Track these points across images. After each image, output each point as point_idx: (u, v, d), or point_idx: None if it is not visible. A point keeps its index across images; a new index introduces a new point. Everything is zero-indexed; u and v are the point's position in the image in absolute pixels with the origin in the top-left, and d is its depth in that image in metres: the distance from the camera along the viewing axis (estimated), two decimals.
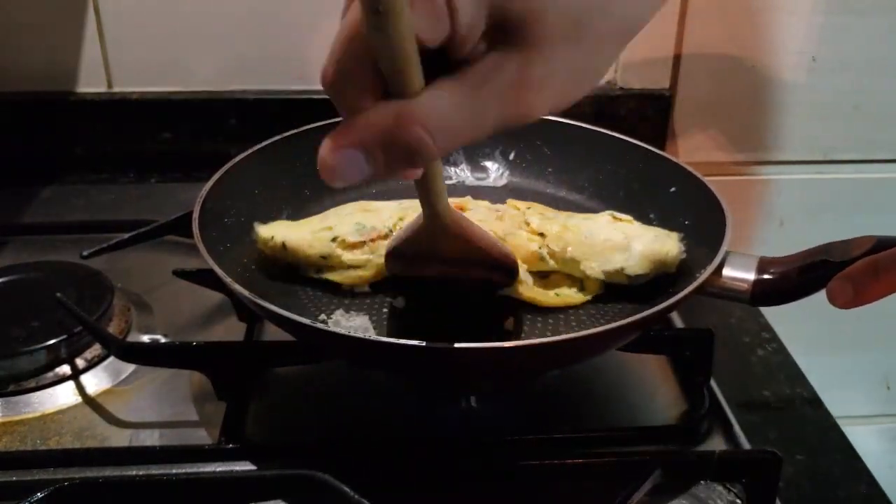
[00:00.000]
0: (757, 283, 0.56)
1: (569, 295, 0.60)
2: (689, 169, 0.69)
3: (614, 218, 0.63)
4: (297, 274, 0.63)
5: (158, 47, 0.88)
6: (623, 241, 0.60)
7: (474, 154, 0.76)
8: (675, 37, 0.89)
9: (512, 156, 0.75)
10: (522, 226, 0.62)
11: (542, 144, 0.75)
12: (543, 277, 0.61)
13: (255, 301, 0.51)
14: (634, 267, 0.59)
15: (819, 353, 1.04)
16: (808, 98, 0.94)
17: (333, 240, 0.61)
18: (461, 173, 0.76)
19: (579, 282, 0.61)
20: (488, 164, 0.76)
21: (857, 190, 0.98)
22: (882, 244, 0.54)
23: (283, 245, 0.61)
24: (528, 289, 0.59)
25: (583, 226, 0.61)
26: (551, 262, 0.61)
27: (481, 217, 0.62)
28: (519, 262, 0.58)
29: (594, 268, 0.59)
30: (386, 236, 0.61)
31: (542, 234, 0.61)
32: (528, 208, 0.65)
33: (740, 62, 0.91)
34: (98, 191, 0.89)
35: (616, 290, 0.61)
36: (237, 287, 0.52)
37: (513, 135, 0.75)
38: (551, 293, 0.60)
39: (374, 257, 0.61)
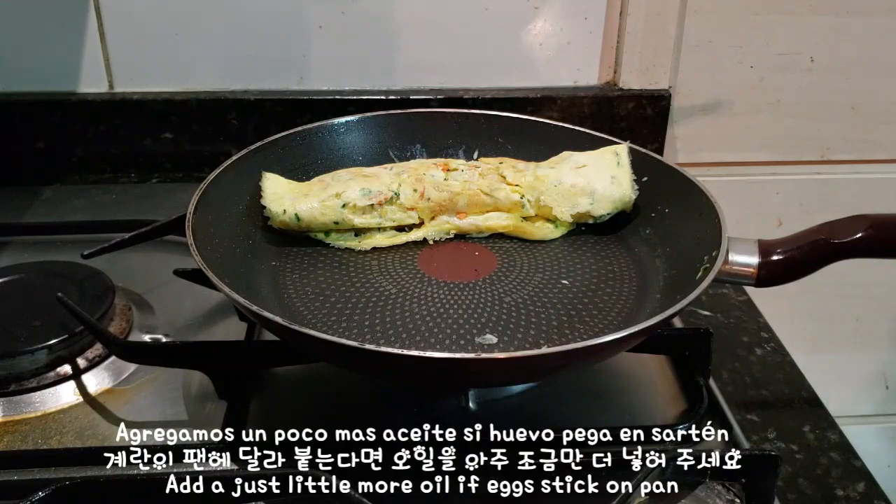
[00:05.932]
0: (762, 266, 0.57)
1: (548, 229, 0.70)
2: (656, 156, 0.70)
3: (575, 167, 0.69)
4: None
5: (159, 48, 0.88)
6: (586, 186, 0.68)
7: (438, 153, 0.76)
8: (674, 37, 0.89)
9: (476, 154, 0.76)
10: (501, 179, 0.69)
11: (504, 142, 0.76)
12: (526, 220, 0.70)
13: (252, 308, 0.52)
14: (598, 209, 0.68)
15: (818, 353, 1.05)
16: (806, 98, 0.94)
17: (344, 206, 0.66)
18: None
19: (555, 220, 0.70)
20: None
21: (854, 190, 0.98)
22: (877, 223, 0.55)
23: (297, 216, 0.66)
24: (517, 223, 0.69)
25: (550, 175, 0.69)
26: (531, 210, 0.69)
27: (466, 177, 0.68)
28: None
29: (564, 212, 0.68)
30: (391, 200, 0.66)
31: (517, 186, 0.68)
32: (501, 163, 0.71)
33: (739, 62, 0.91)
34: (99, 191, 0.89)
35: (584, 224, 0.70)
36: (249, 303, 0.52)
37: (474, 132, 0.77)
38: (534, 227, 0.69)
39: (383, 220, 0.67)
